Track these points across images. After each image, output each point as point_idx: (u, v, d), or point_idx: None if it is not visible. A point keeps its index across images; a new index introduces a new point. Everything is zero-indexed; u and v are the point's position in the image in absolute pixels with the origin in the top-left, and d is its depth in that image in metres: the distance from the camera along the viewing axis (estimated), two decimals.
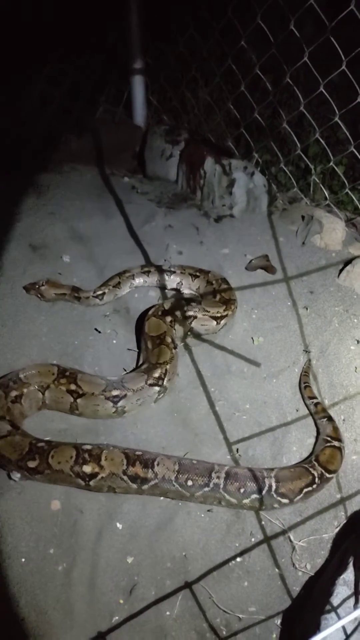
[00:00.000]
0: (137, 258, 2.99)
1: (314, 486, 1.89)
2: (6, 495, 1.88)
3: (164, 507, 1.90)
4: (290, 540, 1.83)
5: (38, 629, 1.61)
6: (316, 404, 2.18)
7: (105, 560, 1.76)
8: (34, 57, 3.81)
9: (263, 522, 1.88)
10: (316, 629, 1.44)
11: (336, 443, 2.01)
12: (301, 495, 1.87)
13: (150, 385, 2.18)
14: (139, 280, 2.81)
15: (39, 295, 2.65)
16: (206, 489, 1.85)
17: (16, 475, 1.90)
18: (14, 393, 2.07)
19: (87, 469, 1.84)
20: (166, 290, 2.81)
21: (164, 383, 2.21)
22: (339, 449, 2.00)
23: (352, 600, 1.46)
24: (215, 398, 2.27)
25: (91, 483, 1.85)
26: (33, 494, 1.89)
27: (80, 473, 1.84)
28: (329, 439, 2.03)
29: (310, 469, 1.91)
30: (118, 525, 1.84)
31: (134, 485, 1.86)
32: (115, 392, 2.12)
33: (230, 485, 1.85)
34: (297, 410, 2.24)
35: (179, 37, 3.68)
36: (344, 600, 1.46)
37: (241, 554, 1.81)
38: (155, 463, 1.87)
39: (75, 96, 3.98)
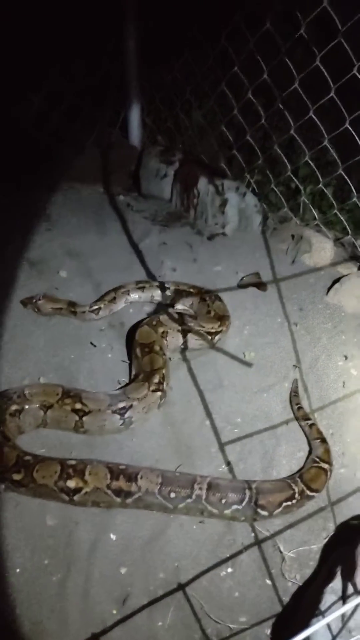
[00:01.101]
0: (132, 274, 3.06)
1: (294, 501, 1.92)
2: (2, 507, 1.91)
3: (157, 518, 1.93)
4: (280, 552, 1.87)
5: (33, 638, 1.63)
6: (311, 425, 2.21)
7: (99, 570, 1.79)
8: (32, 77, 3.92)
9: (253, 534, 1.93)
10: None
11: (324, 465, 2.04)
12: (280, 508, 1.91)
13: (153, 391, 2.24)
14: (134, 296, 2.88)
15: (36, 310, 2.71)
16: (189, 500, 1.89)
17: (1, 487, 1.93)
18: (14, 407, 2.10)
19: (71, 484, 1.87)
20: (159, 306, 2.87)
21: (164, 387, 2.28)
22: (326, 471, 2.02)
23: (338, 606, 1.50)
24: (207, 412, 2.32)
25: (75, 498, 1.88)
26: (29, 506, 1.92)
27: (64, 488, 1.87)
28: (317, 459, 2.06)
29: (292, 484, 1.95)
30: (112, 536, 1.88)
31: (118, 499, 1.89)
32: (121, 405, 2.16)
33: (212, 496, 1.88)
34: (287, 424, 2.29)
35: (174, 61, 3.81)
36: (330, 606, 1.51)
37: (232, 564, 1.84)
38: (139, 476, 1.89)
39: (73, 117, 4.09)
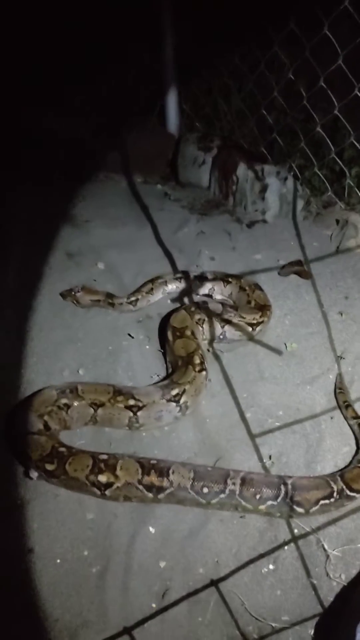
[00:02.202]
0: (170, 265, 3.02)
1: (332, 500, 1.84)
2: (42, 498, 1.92)
3: (196, 512, 1.90)
4: (325, 549, 1.80)
5: (72, 630, 1.63)
6: None
7: (138, 564, 1.78)
8: (70, 68, 3.92)
9: (296, 530, 1.86)
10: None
11: None
12: (317, 506, 1.84)
13: (199, 371, 2.23)
14: (171, 287, 2.84)
15: (75, 302, 2.72)
16: (222, 495, 1.84)
17: (34, 474, 1.94)
18: (64, 400, 2.11)
19: (103, 478, 1.86)
20: (198, 296, 2.82)
21: (205, 367, 2.28)
22: None
23: None
24: (248, 404, 2.26)
25: (107, 492, 1.87)
26: (67, 498, 1.93)
27: (96, 482, 1.86)
28: None
29: (331, 482, 1.86)
30: (151, 529, 1.86)
31: (150, 495, 1.86)
32: (174, 392, 2.14)
33: (246, 491, 1.84)
34: (331, 418, 2.20)
35: (212, 44, 3.71)
36: None
37: (274, 561, 1.79)
38: (171, 471, 1.86)
39: (110, 106, 4.07)
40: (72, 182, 3.78)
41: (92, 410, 2.12)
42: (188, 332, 2.39)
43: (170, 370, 2.37)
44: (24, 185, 3.66)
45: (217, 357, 2.49)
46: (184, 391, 2.16)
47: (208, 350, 2.52)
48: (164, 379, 2.33)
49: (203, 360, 2.30)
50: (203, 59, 3.87)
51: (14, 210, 3.44)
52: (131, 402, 2.11)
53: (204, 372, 2.26)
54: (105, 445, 2.11)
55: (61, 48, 3.87)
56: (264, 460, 2.06)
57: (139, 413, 2.11)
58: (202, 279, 2.81)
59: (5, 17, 3.85)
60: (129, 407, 2.10)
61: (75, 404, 2.11)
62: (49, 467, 1.89)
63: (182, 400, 2.15)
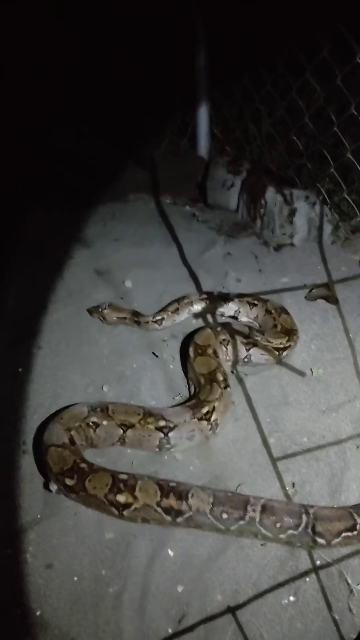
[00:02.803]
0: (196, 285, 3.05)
1: (355, 532, 1.79)
2: (61, 514, 1.93)
3: (216, 537, 1.87)
4: (348, 583, 1.75)
5: None
6: None
7: (155, 586, 1.76)
8: (100, 89, 4.04)
9: (318, 562, 1.81)
10: None
11: None
12: (339, 538, 1.79)
13: (224, 387, 2.26)
14: (197, 307, 2.85)
15: (102, 318, 2.75)
16: (242, 522, 1.81)
17: (53, 487, 1.95)
18: (94, 419, 2.11)
19: (121, 498, 1.84)
20: (223, 318, 2.82)
21: (228, 384, 2.31)
22: None
23: None
24: (271, 429, 2.24)
25: (125, 513, 1.85)
26: (88, 514, 1.93)
27: (114, 502, 1.85)
28: None
29: (354, 514, 1.82)
30: (170, 552, 1.84)
31: (168, 518, 1.84)
32: (204, 410, 2.14)
33: (266, 519, 1.80)
34: (357, 447, 2.15)
35: (244, 70, 3.78)
36: None
37: (295, 593, 1.74)
38: (190, 495, 1.84)
39: (142, 127, 4.17)
40: (102, 202, 3.86)
41: (120, 431, 2.11)
42: (210, 351, 2.40)
43: (192, 390, 2.37)
44: (56, 203, 3.76)
45: (240, 380, 2.48)
46: (214, 408, 2.15)
47: (232, 372, 2.51)
48: (189, 398, 2.33)
49: (226, 377, 2.30)
50: (235, 83, 3.94)
51: (45, 227, 3.53)
52: (162, 423, 2.10)
53: (228, 389, 2.27)
54: (126, 464, 2.11)
55: (98, 74, 4.00)
56: (287, 488, 2.02)
57: (170, 434, 2.10)
58: (227, 300, 2.82)
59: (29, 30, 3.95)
60: (160, 429, 2.09)
61: (105, 423, 2.11)
62: (69, 481, 1.89)
63: (212, 418, 2.15)
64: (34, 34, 3.91)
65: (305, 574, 1.79)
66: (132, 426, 2.10)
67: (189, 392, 2.41)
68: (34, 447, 2.15)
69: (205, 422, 2.13)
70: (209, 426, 2.15)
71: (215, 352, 2.42)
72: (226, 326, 2.55)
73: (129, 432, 2.10)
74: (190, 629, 1.68)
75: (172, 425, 2.10)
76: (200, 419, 2.12)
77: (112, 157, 4.04)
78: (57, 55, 4.06)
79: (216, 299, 2.84)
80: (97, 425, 2.11)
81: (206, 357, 2.37)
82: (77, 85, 4.13)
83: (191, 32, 3.71)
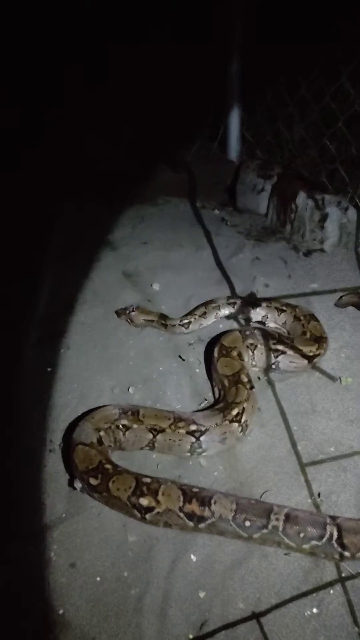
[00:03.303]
0: (224, 289, 3.04)
1: None
2: (85, 514, 1.94)
3: (239, 544, 1.85)
4: None
5: None
6: None
7: (177, 591, 1.75)
8: (131, 94, 4.07)
9: (344, 574, 1.78)
10: None
11: None
12: None
13: (250, 388, 2.26)
14: (224, 311, 2.84)
15: (129, 321, 2.77)
16: (264, 530, 1.79)
17: (78, 485, 1.96)
18: (124, 422, 2.12)
19: (144, 502, 1.84)
20: (251, 323, 2.80)
21: (253, 385, 2.31)
22: None
23: None
24: (298, 438, 2.20)
25: (147, 517, 1.85)
26: (112, 516, 1.94)
27: (137, 505, 1.85)
28: None
29: None
30: (192, 557, 1.83)
31: (191, 523, 1.83)
32: (234, 412, 2.14)
33: (289, 528, 1.77)
34: None
35: (278, 73, 3.76)
36: None
37: (319, 605, 1.71)
38: (213, 501, 1.82)
39: (172, 131, 4.18)
40: (132, 205, 3.89)
41: (150, 436, 2.11)
42: (234, 353, 2.39)
43: (217, 392, 2.36)
44: (87, 205, 3.80)
45: (268, 386, 2.45)
46: (243, 410, 2.15)
47: (258, 378, 2.49)
48: (215, 402, 2.32)
49: (250, 379, 2.29)
50: (268, 87, 3.92)
51: (74, 228, 3.57)
52: (193, 427, 2.09)
53: (254, 390, 2.26)
54: (151, 468, 2.11)
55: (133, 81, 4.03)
56: (313, 497, 1.99)
57: (202, 438, 2.09)
58: (255, 305, 2.80)
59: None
60: (191, 433, 2.09)
61: (135, 426, 2.11)
62: (93, 481, 1.91)
63: (242, 420, 2.14)
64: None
65: (330, 585, 1.75)
66: (162, 431, 2.09)
67: (214, 395, 2.39)
68: (61, 446, 2.18)
69: (236, 424, 2.13)
70: (240, 428, 2.14)
71: (240, 355, 2.41)
72: (255, 331, 2.53)
73: (159, 436, 2.10)
74: (211, 634, 1.66)
75: (203, 429, 2.09)
76: (231, 421, 2.12)
77: (142, 161, 4.06)
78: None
79: (244, 304, 2.82)
80: (127, 428, 2.11)
81: (230, 359, 2.37)
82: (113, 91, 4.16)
83: (227, 34, 3.70)
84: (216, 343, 2.49)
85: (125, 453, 2.15)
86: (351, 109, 3.26)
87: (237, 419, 2.13)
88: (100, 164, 3.96)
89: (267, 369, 2.49)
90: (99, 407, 2.21)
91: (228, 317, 2.82)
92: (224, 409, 2.16)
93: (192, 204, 3.97)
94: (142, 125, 4.11)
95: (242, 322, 2.80)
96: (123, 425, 2.11)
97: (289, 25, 3.55)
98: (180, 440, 2.09)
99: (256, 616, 1.69)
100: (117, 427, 2.11)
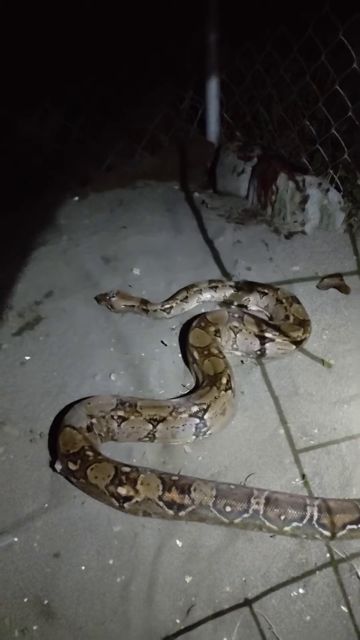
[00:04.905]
0: (205, 273, 3.00)
1: (359, 526, 1.77)
2: (68, 503, 1.92)
3: (224, 528, 1.85)
4: (359, 577, 1.73)
5: (96, 639, 1.61)
6: None
7: (163, 577, 1.75)
8: (106, 75, 3.94)
9: (328, 555, 1.79)
10: None
11: None
12: (344, 531, 1.77)
13: (223, 357, 2.31)
14: (206, 295, 2.81)
15: (109, 306, 2.72)
16: (245, 515, 1.79)
17: (58, 466, 1.94)
18: (120, 412, 2.08)
19: (122, 490, 1.82)
20: (232, 307, 2.78)
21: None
22: None
23: None
24: (281, 420, 2.21)
25: (126, 505, 1.83)
26: (95, 504, 1.91)
27: (115, 493, 1.83)
28: None
29: None
30: (178, 542, 1.82)
31: (171, 512, 1.82)
32: (224, 380, 2.18)
33: (270, 511, 1.78)
34: None
35: (256, 53, 3.69)
36: None
37: (304, 585, 1.72)
38: (192, 488, 1.81)
39: (150, 114, 4.09)
40: (110, 188, 3.80)
41: (150, 427, 2.07)
42: (212, 329, 2.43)
43: (192, 370, 2.37)
44: (64, 189, 3.71)
45: (251, 370, 2.44)
46: (229, 376, 2.22)
47: (242, 362, 2.48)
48: (197, 381, 2.31)
49: (221, 350, 2.36)
50: (246, 67, 3.85)
51: (51, 214, 3.49)
52: (195, 409, 2.08)
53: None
54: (137, 456, 2.09)
55: (102, 58, 3.90)
56: (297, 479, 1.99)
57: (205, 416, 2.08)
58: (237, 288, 2.78)
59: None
60: (194, 415, 2.07)
61: (132, 418, 2.07)
62: (72, 465, 1.89)
63: (232, 386, 2.23)
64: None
65: (315, 566, 1.77)
66: (163, 420, 2.06)
67: (189, 369, 2.39)
68: (42, 435, 2.14)
69: (230, 392, 2.17)
70: (232, 394, 2.19)
71: (217, 332, 2.42)
72: (245, 316, 2.51)
73: (160, 426, 2.06)
74: (199, 619, 1.66)
75: (205, 406, 2.08)
76: (225, 390, 2.15)
77: (119, 144, 3.97)
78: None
79: (225, 288, 2.79)
80: (123, 419, 2.07)
81: (204, 332, 2.39)
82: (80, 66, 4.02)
83: (203, 11, 3.61)
84: (202, 320, 2.48)
85: (113, 442, 2.12)
86: (331, 89, 3.22)
87: (228, 386, 2.16)
88: (73, 146, 3.85)
89: (251, 354, 2.47)
90: (98, 396, 2.18)
91: (222, 304, 2.80)
92: (214, 382, 2.16)
93: (171, 187, 3.90)
94: (118, 107, 4.01)
95: (227, 305, 2.77)
96: (119, 417, 2.07)
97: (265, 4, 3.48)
98: (184, 425, 2.07)
99: (249, 602, 1.69)
100: (112, 417, 2.07)
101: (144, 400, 2.15)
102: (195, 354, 2.32)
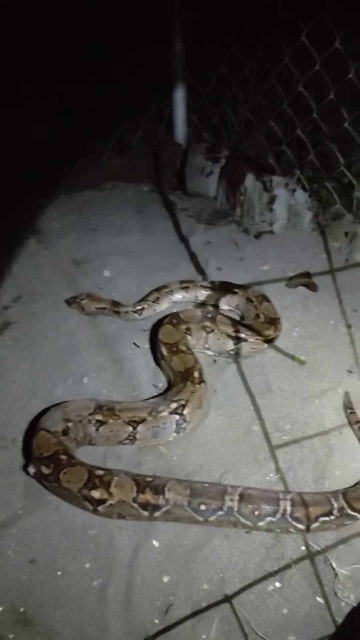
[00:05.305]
0: (176, 273, 3.01)
1: (332, 517, 1.80)
2: (43, 509, 1.89)
3: (200, 527, 1.86)
4: (333, 568, 1.76)
5: None
6: None
7: (141, 578, 1.74)
8: (77, 78, 3.93)
9: (304, 548, 1.82)
10: None
11: None
12: (317, 523, 1.80)
13: (192, 354, 2.36)
14: (177, 296, 2.82)
15: (80, 309, 2.70)
16: (220, 512, 1.80)
17: (31, 470, 1.92)
18: (98, 417, 2.05)
19: (96, 494, 1.81)
20: (206, 306, 2.79)
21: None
22: None
23: None
24: (255, 417, 2.23)
25: (99, 509, 1.82)
26: (70, 509, 1.89)
27: (88, 497, 1.81)
28: None
29: (332, 499, 1.82)
30: (155, 542, 1.82)
31: (145, 513, 1.81)
32: (196, 374, 2.20)
33: (244, 508, 1.80)
34: (340, 433, 2.16)
35: (221, 56, 3.73)
36: None
37: (281, 579, 1.74)
38: (166, 489, 1.82)
39: (118, 115, 4.08)
40: (78, 191, 3.78)
41: (130, 429, 2.06)
42: (183, 327, 2.45)
43: (168, 376, 2.36)
44: (31, 192, 3.66)
45: (224, 369, 2.46)
46: (200, 370, 2.25)
47: (214, 361, 2.49)
48: (169, 380, 2.31)
49: (189, 347, 2.37)
50: (212, 69, 3.89)
51: (20, 217, 3.44)
52: (174, 405, 2.08)
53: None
54: (112, 458, 2.07)
55: (65, 55, 3.86)
56: (271, 475, 2.02)
57: (185, 412, 2.09)
58: (208, 288, 2.80)
59: None
60: (174, 411, 2.08)
61: (111, 421, 2.05)
62: (45, 469, 1.86)
63: (204, 379, 2.27)
64: None
65: (291, 560, 1.79)
66: (143, 421, 2.05)
67: (160, 367, 2.41)
68: (14, 442, 2.10)
69: (203, 384, 2.21)
70: (206, 386, 2.23)
71: (188, 330, 2.45)
72: (219, 317, 2.52)
73: (141, 427, 2.05)
74: (177, 618, 1.66)
75: (184, 402, 2.09)
76: (199, 383, 2.18)
77: (87, 144, 3.95)
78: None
79: (197, 288, 2.81)
80: (101, 423, 2.05)
81: (174, 329, 2.41)
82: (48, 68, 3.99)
83: (167, 15, 3.63)
84: (175, 318, 2.50)
85: (90, 446, 2.10)
86: (295, 91, 3.28)
87: (201, 379, 2.19)
88: (44, 148, 3.81)
89: (223, 354, 2.48)
90: (76, 400, 2.15)
91: (200, 305, 2.81)
92: (186, 377, 2.17)
93: (140, 189, 3.91)
94: (85, 108, 3.99)
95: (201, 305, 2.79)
96: (97, 421, 2.05)
97: (230, 6, 3.53)
98: (164, 423, 2.07)
99: (227, 599, 1.70)
100: (90, 421, 2.05)
101: (121, 403, 2.13)
102: (164, 350, 2.33)
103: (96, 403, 2.10)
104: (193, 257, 3.18)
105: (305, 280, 2.92)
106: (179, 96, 3.92)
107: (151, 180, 3.99)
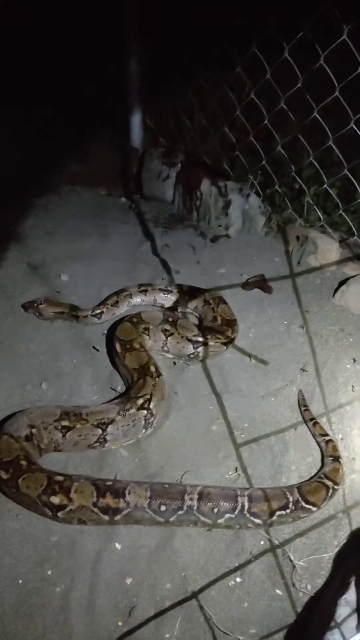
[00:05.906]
0: (135, 277, 3.03)
1: (287, 511, 1.86)
2: (3, 517, 1.87)
3: (163, 528, 1.88)
4: (291, 560, 1.82)
5: None
6: (327, 442, 2.12)
7: (104, 581, 1.75)
8: (32, 82, 3.90)
9: (262, 542, 1.88)
10: None
11: (328, 482, 1.96)
12: (274, 517, 1.86)
13: (145, 351, 2.41)
14: (136, 299, 2.83)
15: (38, 314, 2.67)
16: (180, 512, 1.83)
17: None
18: (65, 423, 2.03)
19: (55, 500, 1.80)
20: (164, 309, 2.83)
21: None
22: (328, 487, 1.94)
23: (354, 620, 1.45)
24: (214, 417, 2.28)
25: (59, 515, 1.81)
26: (31, 516, 1.87)
27: (48, 503, 1.80)
28: (323, 476, 2.00)
29: (287, 493, 1.89)
30: (117, 545, 1.83)
31: (106, 517, 1.82)
32: (152, 368, 2.26)
33: (203, 506, 1.83)
34: (295, 429, 2.24)
35: (176, 63, 3.78)
36: (345, 619, 1.45)
37: (241, 574, 1.79)
38: (127, 492, 1.83)
39: (75, 119, 4.06)
40: (34, 195, 3.73)
41: (100, 431, 2.05)
42: (141, 327, 2.50)
43: (124, 375, 2.38)
44: None
45: (183, 370, 2.50)
46: (155, 365, 2.31)
47: (174, 363, 2.53)
48: (130, 380, 2.32)
49: (143, 344, 2.43)
50: (168, 76, 3.93)
51: None
52: (140, 401, 2.12)
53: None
54: (73, 463, 2.07)
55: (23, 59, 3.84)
56: (230, 473, 2.07)
57: (151, 405, 2.13)
58: (166, 291, 2.83)
59: None
60: (142, 407, 2.11)
61: (78, 426, 2.03)
62: (3, 474, 1.85)
63: (160, 372, 2.33)
64: None
65: (251, 555, 1.84)
66: (112, 421, 2.05)
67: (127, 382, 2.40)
68: None
69: (161, 376, 2.28)
70: (163, 379, 2.31)
71: (146, 330, 2.50)
72: (179, 321, 2.56)
73: (110, 428, 2.05)
74: (141, 619, 1.68)
75: (149, 396, 2.13)
76: (158, 376, 2.23)
77: (42, 148, 3.90)
78: None
79: (155, 291, 2.84)
80: (68, 429, 2.03)
81: (132, 327, 2.47)
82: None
83: (123, 25, 3.65)
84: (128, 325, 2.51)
85: (52, 452, 2.08)
86: (247, 98, 3.37)
87: (157, 372, 2.25)
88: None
89: (183, 357, 2.51)
90: (42, 407, 2.15)
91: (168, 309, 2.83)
92: (144, 373, 2.21)
93: (97, 193, 3.90)
94: (40, 112, 3.95)
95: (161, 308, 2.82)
96: (63, 427, 2.03)
97: (184, 16, 3.58)
98: (134, 420, 2.09)
99: (195, 595, 1.73)
100: (56, 428, 2.03)
101: (88, 408, 2.13)
102: (118, 347, 2.37)
103: (62, 409, 2.08)
104: (151, 261, 3.20)
105: (260, 282, 3.00)
106: (135, 101, 3.94)
107: (108, 184, 3.99)
